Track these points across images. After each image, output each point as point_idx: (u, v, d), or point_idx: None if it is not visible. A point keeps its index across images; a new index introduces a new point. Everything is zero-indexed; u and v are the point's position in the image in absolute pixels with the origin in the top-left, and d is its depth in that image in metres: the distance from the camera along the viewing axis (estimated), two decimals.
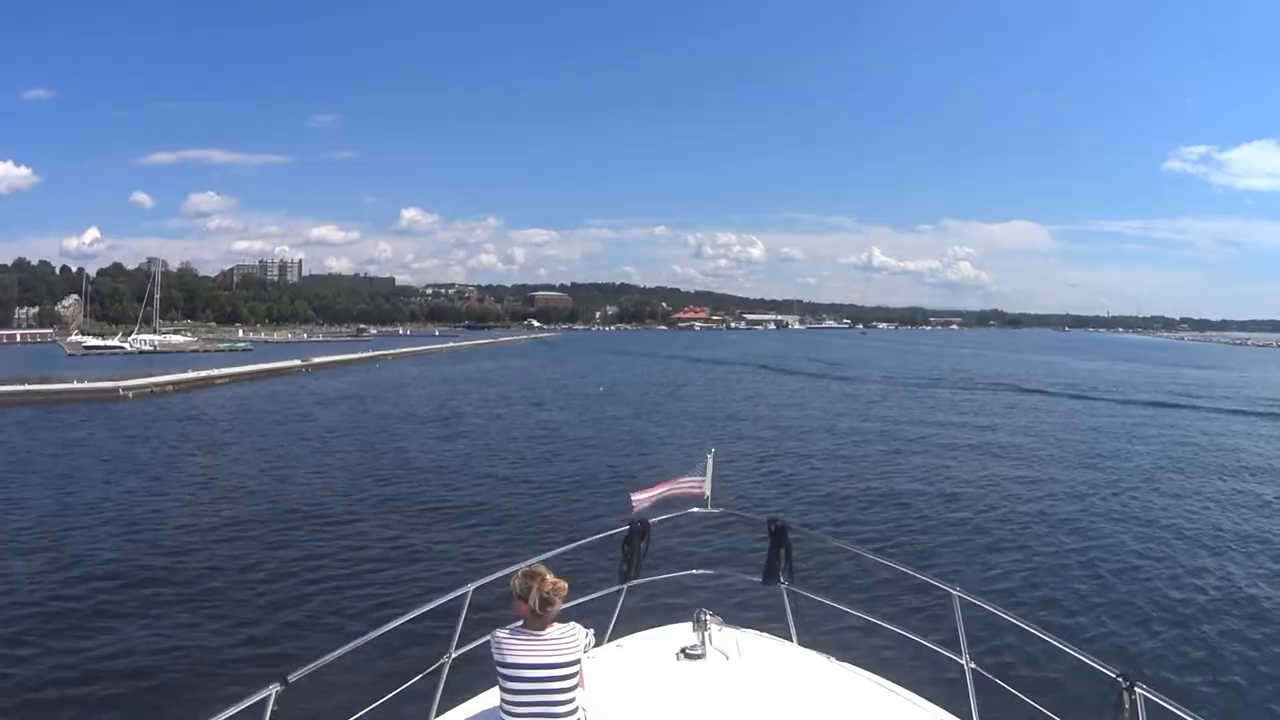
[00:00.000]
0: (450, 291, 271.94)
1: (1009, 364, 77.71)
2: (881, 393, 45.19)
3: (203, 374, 47.13)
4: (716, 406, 37.29)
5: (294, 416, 32.27)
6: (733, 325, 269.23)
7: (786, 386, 48.86)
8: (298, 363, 59.63)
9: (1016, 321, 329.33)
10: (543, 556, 4.22)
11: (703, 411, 34.72)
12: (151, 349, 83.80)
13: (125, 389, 39.58)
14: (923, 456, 23.93)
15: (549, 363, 73.20)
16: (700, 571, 6.89)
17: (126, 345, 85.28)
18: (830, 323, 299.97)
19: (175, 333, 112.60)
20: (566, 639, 3.59)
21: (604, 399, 40.16)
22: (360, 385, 46.50)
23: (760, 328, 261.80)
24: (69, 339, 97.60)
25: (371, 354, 74.35)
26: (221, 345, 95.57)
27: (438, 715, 4.13)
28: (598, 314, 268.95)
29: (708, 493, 5.55)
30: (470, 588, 4.34)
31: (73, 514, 15.92)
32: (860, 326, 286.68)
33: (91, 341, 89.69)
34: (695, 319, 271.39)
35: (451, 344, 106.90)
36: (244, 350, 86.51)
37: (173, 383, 43.67)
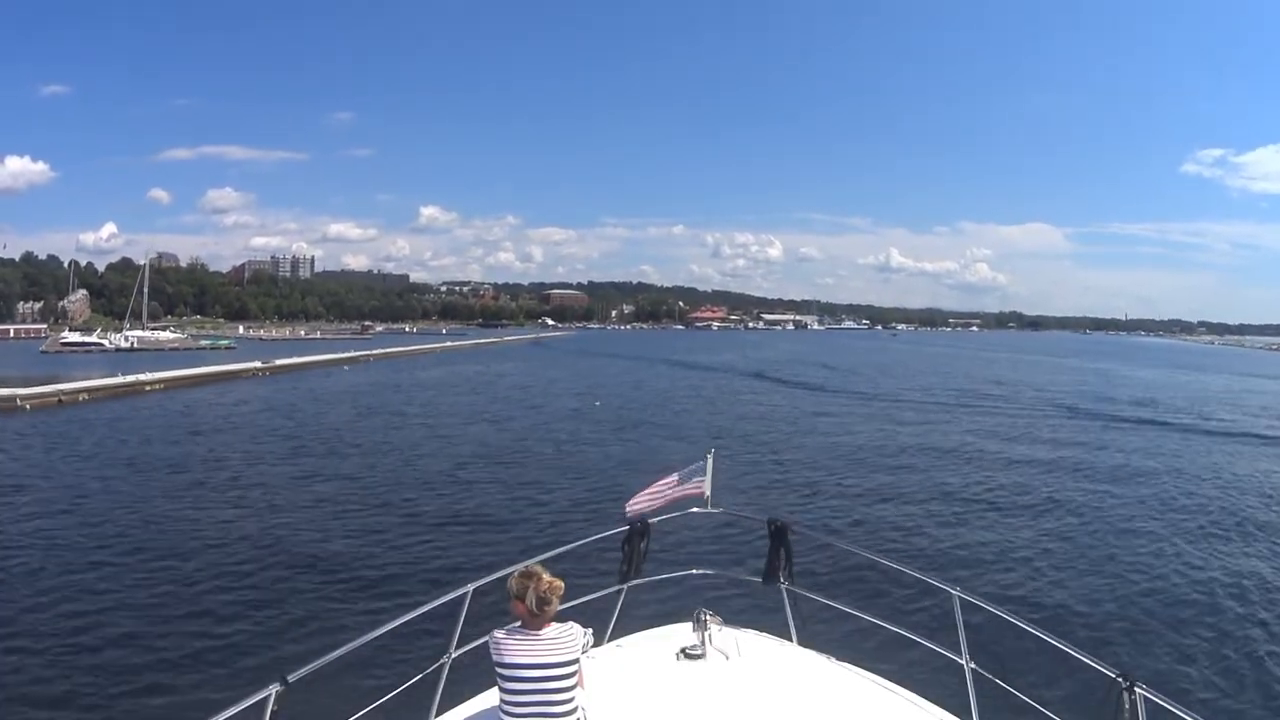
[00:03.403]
0: (465, 289, 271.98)
1: (1058, 372, 71.22)
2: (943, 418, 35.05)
3: (129, 379, 40.94)
4: (729, 433, 29.10)
5: (196, 432, 27.22)
6: (751, 325, 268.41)
7: (813, 407, 39.62)
8: (257, 365, 54.10)
9: (1035, 324, 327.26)
10: (542, 556, 4.23)
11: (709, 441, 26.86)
12: (130, 347, 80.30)
13: (23, 398, 33.45)
14: (937, 466, 23.81)
15: (538, 366, 67.03)
16: (700, 571, 6.89)
17: (105, 342, 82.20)
18: (849, 323, 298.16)
19: (165, 329, 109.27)
20: (564, 639, 3.61)
21: (578, 432, 29.08)
22: (304, 394, 41.50)
23: (779, 328, 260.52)
24: (59, 336, 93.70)
25: (347, 355, 68.36)
26: (203, 343, 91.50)
27: (437, 715, 4.14)
28: (614, 313, 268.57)
29: (708, 493, 5.56)
30: (470, 588, 4.36)
31: None
32: (880, 327, 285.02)
33: (71, 338, 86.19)
34: (712, 319, 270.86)
35: (450, 343, 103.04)
36: (226, 349, 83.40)
37: (88, 390, 37.30)
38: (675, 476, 5.66)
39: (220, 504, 17.00)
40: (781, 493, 18.92)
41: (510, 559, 4.66)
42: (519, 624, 3.64)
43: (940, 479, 20.64)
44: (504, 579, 3.79)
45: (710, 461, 5.59)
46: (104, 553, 13.23)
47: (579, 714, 3.61)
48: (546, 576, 3.65)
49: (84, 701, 8.23)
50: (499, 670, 3.57)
